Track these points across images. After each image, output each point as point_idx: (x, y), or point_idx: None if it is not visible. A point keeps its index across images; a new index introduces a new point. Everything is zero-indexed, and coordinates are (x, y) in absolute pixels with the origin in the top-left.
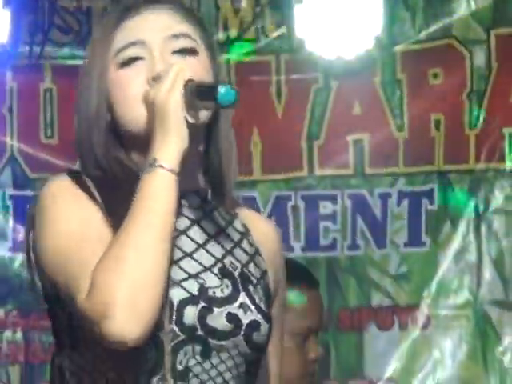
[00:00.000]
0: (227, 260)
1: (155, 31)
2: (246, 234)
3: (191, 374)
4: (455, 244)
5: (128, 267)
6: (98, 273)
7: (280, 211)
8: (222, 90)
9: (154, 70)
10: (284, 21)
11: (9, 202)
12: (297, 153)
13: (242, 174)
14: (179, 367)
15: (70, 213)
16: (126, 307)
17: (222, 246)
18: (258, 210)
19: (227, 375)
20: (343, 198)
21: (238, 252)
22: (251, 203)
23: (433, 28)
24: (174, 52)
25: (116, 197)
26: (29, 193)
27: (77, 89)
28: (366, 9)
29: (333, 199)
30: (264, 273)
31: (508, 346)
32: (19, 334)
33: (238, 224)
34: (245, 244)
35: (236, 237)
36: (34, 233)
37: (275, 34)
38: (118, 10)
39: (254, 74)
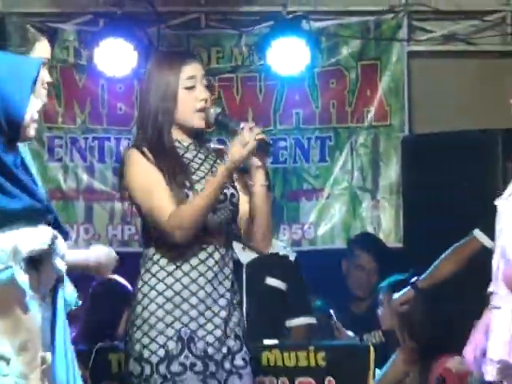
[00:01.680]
0: (213, 170)
1: (197, 72)
2: (216, 156)
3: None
4: (341, 161)
5: (192, 213)
6: (178, 209)
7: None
8: (271, 150)
9: (201, 95)
10: (262, 57)
11: None
12: (269, 118)
13: None
14: None
15: (144, 170)
16: (185, 229)
17: (209, 163)
18: None
19: (224, 221)
20: (290, 140)
21: (216, 166)
22: None
23: (331, 60)
24: (205, 86)
25: (161, 161)
26: None
27: (148, 85)
28: (301, 52)
29: (285, 140)
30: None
31: (364, 207)
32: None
33: (212, 152)
34: (218, 161)
35: (214, 158)
36: (125, 182)
37: (259, 64)
38: (178, 57)
39: (248, 82)
